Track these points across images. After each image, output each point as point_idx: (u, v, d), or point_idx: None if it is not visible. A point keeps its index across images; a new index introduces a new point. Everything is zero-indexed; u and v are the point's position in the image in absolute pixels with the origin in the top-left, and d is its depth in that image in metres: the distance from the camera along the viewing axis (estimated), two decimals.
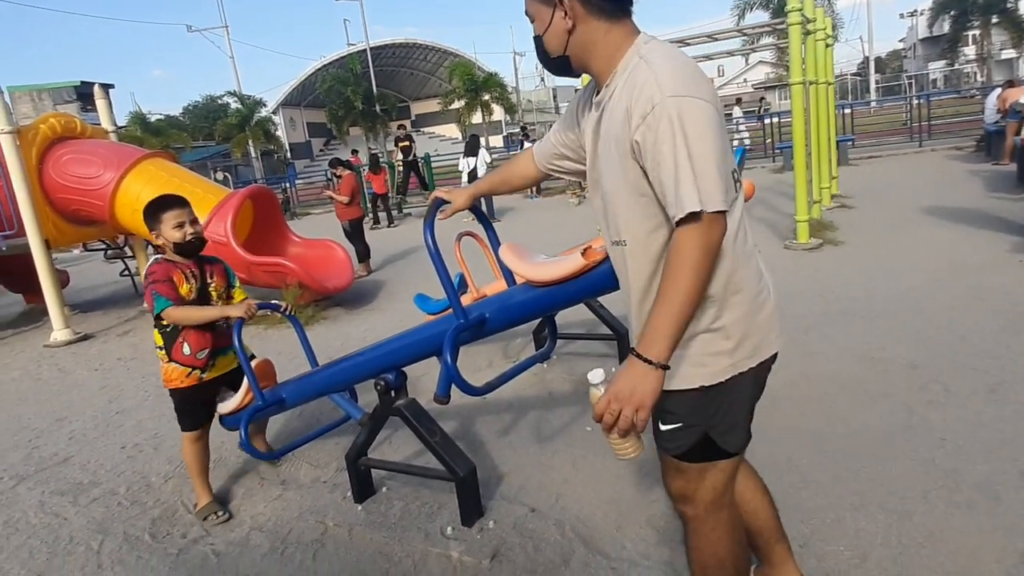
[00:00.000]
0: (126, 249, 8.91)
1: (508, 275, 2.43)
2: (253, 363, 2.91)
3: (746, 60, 54.25)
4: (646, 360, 1.29)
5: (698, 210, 1.25)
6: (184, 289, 2.86)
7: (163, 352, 2.89)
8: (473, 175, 12.22)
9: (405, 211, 15.71)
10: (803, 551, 2.22)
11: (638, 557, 2.30)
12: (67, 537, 2.91)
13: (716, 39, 8.23)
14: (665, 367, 1.30)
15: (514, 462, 3.10)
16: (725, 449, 1.53)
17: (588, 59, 1.46)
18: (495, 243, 2.47)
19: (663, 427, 1.54)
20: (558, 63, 1.51)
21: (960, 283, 4.93)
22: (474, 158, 12.47)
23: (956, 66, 37.63)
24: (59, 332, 6.62)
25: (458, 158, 12.73)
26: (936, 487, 2.50)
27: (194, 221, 2.88)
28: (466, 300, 3.74)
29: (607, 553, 2.35)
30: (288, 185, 21.40)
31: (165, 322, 2.83)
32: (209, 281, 2.95)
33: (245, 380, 2.90)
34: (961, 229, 6.70)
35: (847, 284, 5.33)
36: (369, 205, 14.23)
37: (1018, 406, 3.03)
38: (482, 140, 13.81)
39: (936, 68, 40.52)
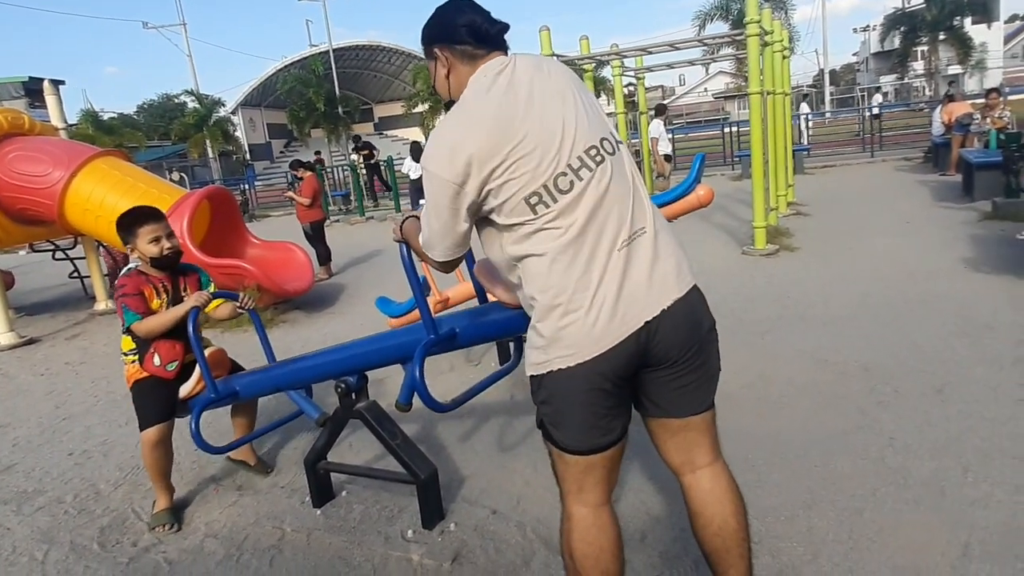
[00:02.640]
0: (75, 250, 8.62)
1: (481, 291, 2.43)
2: (207, 351, 2.86)
3: (706, 70, 55.38)
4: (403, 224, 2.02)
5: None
6: (155, 304, 2.83)
7: (132, 357, 2.86)
8: (419, 180, 12.42)
9: (367, 215, 15.59)
10: (758, 548, 2.26)
11: None
12: (9, 547, 2.79)
13: (677, 48, 8.37)
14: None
15: (476, 465, 3.09)
16: (555, 439, 1.66)
17: None
18: (470, 259, 2.46)
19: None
20: (450, 105, 1.73)
21: (910, 289, 5.10)
22: (418, 163, 12.66)
23: (906, 80, 39.00)
24: (2, 336, 6.37)
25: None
26: (885, 484, 2.57)
27: (170, 235, 2.85)
28: (429, 303, 3.73)
29: None
30: (247, 187, 20.99)
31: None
32: (183, 294, 2.90)
33: (197, 367, 2.84)
34: (911, 237, 6.94)
35: (803, 289, 5.46)
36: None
37: (963, 406, 3.14)
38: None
39: (887, 82, 41.92)
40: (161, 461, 2.88)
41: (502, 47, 1.70)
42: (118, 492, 3.19)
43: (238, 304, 2.97)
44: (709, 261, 6.74)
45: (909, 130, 18.28)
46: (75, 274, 8.66)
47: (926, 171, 12.19)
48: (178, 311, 2.78)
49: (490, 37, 1.67)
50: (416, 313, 3.80)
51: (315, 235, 8.77)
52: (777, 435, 3.05)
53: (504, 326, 2.28)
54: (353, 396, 2.64)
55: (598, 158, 1.57)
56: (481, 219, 1.66)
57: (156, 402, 2.86)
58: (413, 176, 12.83)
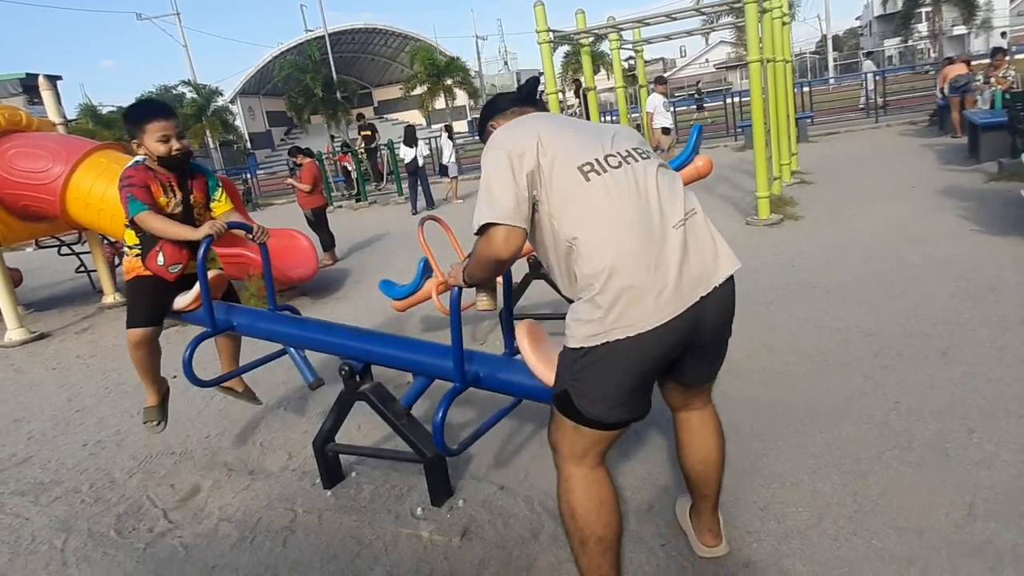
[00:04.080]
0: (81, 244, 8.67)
1: (511, 343, 2.41)
2: (210, 275, 2.85)
3: (706, 40, 54.68)
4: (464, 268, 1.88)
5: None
6: (162, 201, 2.75)
7: (136, 252, 2.81)
8: (413, 164, 12.50)
9: (370, 199, 15.57)
10: (764, 514, 2.29)
11: None
12: (29, 537, 2.85)
13: (675, 18, 8.26)
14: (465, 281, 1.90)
15: (482, 442, 3.09)
16: (580, 411, 1.69)
17: None
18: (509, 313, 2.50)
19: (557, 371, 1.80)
20: None
21: (915, 253, 5.07)
22: (413, 148, 12.68)
23: (910, 43, 38.41)
24: (13, 332, 6.43)
25: (419, 145, 12.91)
26: (889, 448, 2.59)
27: (180, 135, 2.75)
28: (432, 284, 3.75)
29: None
30: (250, 176, 20.98)
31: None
32: (191, 196, 2.85)
33: (197, 284, 2.85)
34: (915, 201, 6.88)
35: (807, 258, 5.44)
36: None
37: (967, 368, 3.14)
38: (449, 128, 14.26)
39: (891, 45, 41.31)
40: (146, 360, 2.88)
41: (539, 104, 2.04)
42: (132, 480, 3.25)
43: (251, 236, 2.92)
44: None
45: (914, 93, 18.05)
46: (81, 269, 8.72)
47: (931, 135, 12.05)
48: (190, 232, 2.72)
49: (527, 93, 2.04)
50: (420, 296, 3.83)
51: (317, 221, 8.77)
52: (782, 403, 3.06)
53: (528, 391, 2.23)
54: (357, 378, 2.67)
55: (643, 154, 1.75)
56: (533, 214, 1.70)
57: (148, 302, 2.84)
58: (408, 160, 12.82)
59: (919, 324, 3.74)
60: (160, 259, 2.80)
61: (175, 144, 2.73)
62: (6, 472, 3.53)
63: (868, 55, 23.62)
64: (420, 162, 12.73)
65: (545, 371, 2.01)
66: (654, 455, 2.77)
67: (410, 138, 12.87)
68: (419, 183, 12.79)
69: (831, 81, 31.15)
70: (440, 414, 2.18)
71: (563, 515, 1.81)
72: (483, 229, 1.66)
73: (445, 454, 2.33)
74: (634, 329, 1.57)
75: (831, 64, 40.28)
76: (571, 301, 1.72)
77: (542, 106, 2.05)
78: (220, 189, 3.01)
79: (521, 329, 2.14)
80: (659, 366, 1.67)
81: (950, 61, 12.20)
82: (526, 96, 2.06)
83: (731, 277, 1.72)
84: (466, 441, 2.50)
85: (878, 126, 14.82)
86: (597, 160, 1.66)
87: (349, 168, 16.86)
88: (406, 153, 12.86)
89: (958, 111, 10.84)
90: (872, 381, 3.16)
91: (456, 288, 2.03)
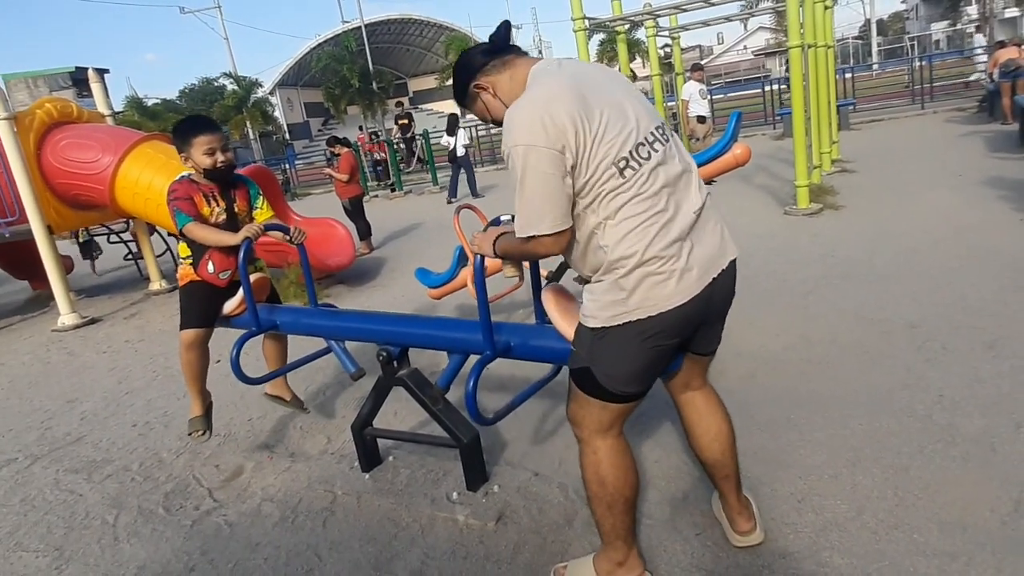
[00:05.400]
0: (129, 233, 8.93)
1: (542, 313, 2.41)
2: (252, 277, 2.98)
3: (745, 26, 53.57)
4: (495, 242, 1.90)
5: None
6: (205, 211, 2.89)
7: (189, 261, 2.98)
8: (453, 153, 12.58)
9: (405, 189, 15.70)
10: (801, 506, 2.28)
11: (640, 516, 2.35)
12: (83, 512, 2.98)
13: (713, 3, 8.11)
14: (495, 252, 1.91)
15: (517, 429, 3.15)
16: (605, 387, 1.76)
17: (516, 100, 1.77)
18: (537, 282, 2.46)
19: (573, 349, 1.85)
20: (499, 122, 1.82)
21: (960, 243, 4.93)
22: (453, 137, 12.75)
23: (959, 26, 37.04)
24: (66, 316, 6.68)
25: (459, 134, 13.01)
26: (933, 442, 2.54)
27: (225, 148, 2.88)
28: (467, 273, 3.78)
29: None
30: (288, 166, 21.33)
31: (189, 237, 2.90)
32: (234, 205, 2.99)
33: (240, 290, 2.97)
34: (962, 190, 6.68)
35: (847, 248, 5.33)
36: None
37: (1015, 361, 3.06)
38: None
39: (939, 29, 39.89)
40: (196, 364, 3.00)
41: (519, 51, 1.86)
42: (179, 460, 3.36)
43: (288, 238, 3.01)
44: (750, 223, 6.62)
45: (962, 79, 17.44)
46: (129, 256, 9.00)
47: (980, 121, 11.65)
48: (230, 238, 2.85)
49: (504, 41, 1.84)
50: (455, 284, 3.87)
51: (354, 210, 8.89)
52: (820, 395, 3.03)
53: (559, 355, 2.20)
54: (395, 364, 2.71)
55: (663, 138, 1.74)
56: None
57: (201, 305, 2.99)
58: (452, 148, 12.91)
59: (965, 316, 3.64)
60: (210, 267, 2.94)
61: (220, 157, 2.86)
62: (61, 450, 3.69)
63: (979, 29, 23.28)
64: (461, 151, 12.81)
65: (568, 327, 2.02)
66: (684, 445, 2.75)
67: (452, 127, 12.97)
68: (461, 171, 12.90)
69: (875, 67, 30.26)
70: (472, 382, 2.18)
71: (590, 484, 1.89)
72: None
73: (479, 423, 2.32)
74: (656, 309, 1.65)
75: (875, 49, 39.09)
76: (583, 279, 1.80)
77: (520, 50, 1.88)
78: (261, 197, 3.14)
79: (547, 292, 2.15)
80: (676, 342, 1.76)
81: (1001, 44, 11.77)
82: (505, 44, 1.86)
83: (733, 259, 1.83)
84: (501, 412, 2.48)
85: (923, 113, 14.38)
86: (632, 154, 1.65)
87: (377, 158, 17.06)
88: (448, 141, 12.97)
89: (1009, 97, 10.46)
90: (915, 374, 3.10)
91: (480, 256, 2.05)
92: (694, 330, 1.80)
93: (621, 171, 1.63)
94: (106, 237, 8.91)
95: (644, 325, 1.67)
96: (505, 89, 1.81)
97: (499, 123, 1.80)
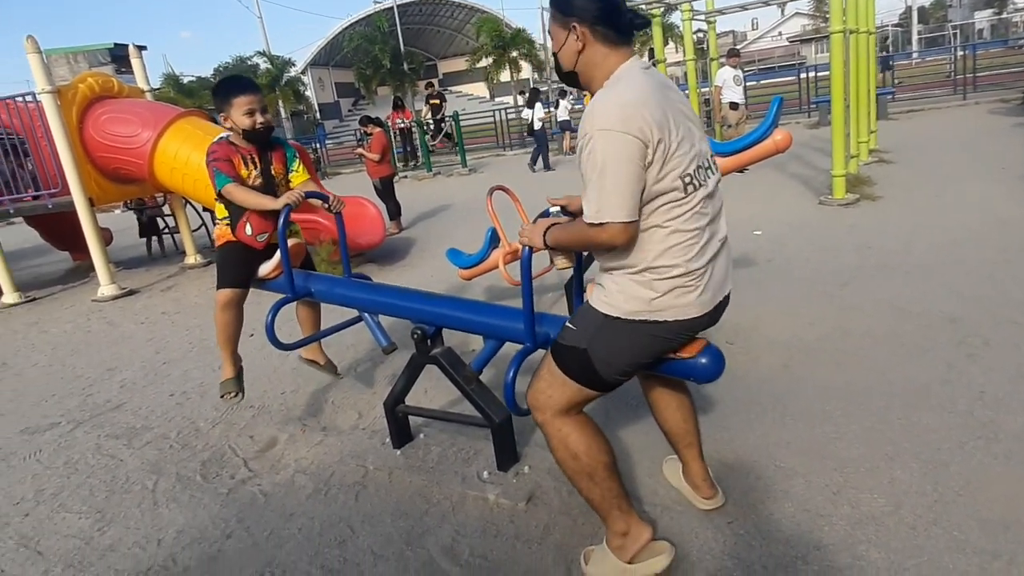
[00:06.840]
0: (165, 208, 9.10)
1: (570, 297, 2.43)
2: (290, 243, 3.01)
3: (782, 11, 52.39)
4: (545, 234, 1.92)
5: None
6: (243, 173, 2.91)
7: (226, 222, 3.00)
8: (531, 126, 12.90)
9: (434, 171, 15.72)
10: (836, 498, 2.25)
11: (670, 503, 2.35)
12: (123, 477, 3.07)
13: None
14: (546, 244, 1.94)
15: None
16: (596, 372, 1.85)
17: (591, 77, 1.83)
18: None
19: (568, 323, 1.94)
20: (569, 76, 1.88)
21: (1004, 237, 4.81)
22: (531, 110, 13.08)
23: (1004, 15, 35.78)
24: (106, 287, 6.83)
25: (487, 115, 13.14)
26: (974, 438, 2.49)
27: (264, 109, 2.91)
28: (499, 254, 3.78)
29: (640, 498, 2.40)
30: (319, 145, 21.45)
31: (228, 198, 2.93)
32: (271, 168, 3.01)
33: (278, 253, 3.01)
34: (1006, 183, 6.49)
35: (884, 239, 5.22)
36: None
37: None
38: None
39: (983, 17, 38.59)
40: (230, 325, 3.04)
41: (632, 45, 1.86)
42: (215, 430, 3.44)
43: (327, 205, 3.03)
44: (783, 212, 6.52)
45: (1006, 69, 16.90)
46: (165, 230, 9.17)
47: None
48: (271, 202, 2.87)
49: (630, 32, 1.81)
50: (487, 265, 3.87)
51: (385, 190, 8.93)
52: (856, 387, 2.98)
53: None
54: (429, 342, 2.73)
55: (714, 166, 1.86)
56: None
57: (237, 266, 3.03)
58: (536, 125, 13.20)
59: (1008, 311, 3.56)
60: (248, 229, 2.97)
61: (259, 118, 2.87)
62: (102, 416, 3.79)
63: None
64: (538, 125, 13.06)
65: (564, 259, 2.11)
66: (717, 435, 2.75)
67: (532, 99, 13.26)
68: (548, 141, 13.21)
69: (915, 55, 29.43)
70: (511, 373, 2.22)
71: (564, 462, 1.97)
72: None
73: (516, 413, 2.36)
74: (673, 315, 1.78)
75: (915, 37, 37.99)
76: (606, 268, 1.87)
77: (631, 41, 1.84)
78: (297, 160, 3.15)
79: (592, 287, 2.15)
80: (674, 348, 1.90)
81: None
82: (631, 30, 1.81)
83: (729, 292, 1.96)
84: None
85: (965, 103, 13.98)
86: (697, 171, 1.74)
87: (401, 126, 17.17)
88: (527, 115, 13.23)
89: None
90: (955, 369, 3.04)
91: (528, 248, 2.06)
92: None
93: (685, 186, 1.72)
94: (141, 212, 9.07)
95: (660, 327, 1.80)
96: (590, 58, 1.79)
97: (557, 65, 1.88)
